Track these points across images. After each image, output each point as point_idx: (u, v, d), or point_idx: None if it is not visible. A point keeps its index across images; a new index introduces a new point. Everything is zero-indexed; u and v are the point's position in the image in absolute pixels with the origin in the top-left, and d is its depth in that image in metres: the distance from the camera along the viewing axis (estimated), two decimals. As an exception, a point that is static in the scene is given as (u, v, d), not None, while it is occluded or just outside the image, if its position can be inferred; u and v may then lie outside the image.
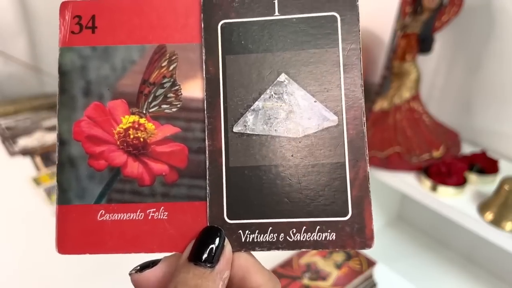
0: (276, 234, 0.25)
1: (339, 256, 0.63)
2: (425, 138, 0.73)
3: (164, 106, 0.27)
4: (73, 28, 0.27)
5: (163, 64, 0.27)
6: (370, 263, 0.63)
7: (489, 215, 0.63)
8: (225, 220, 0.25)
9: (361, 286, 0.62)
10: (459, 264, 0.84)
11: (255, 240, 0.25)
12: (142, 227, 0.26)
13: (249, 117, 0.26)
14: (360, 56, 0.25)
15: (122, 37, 0.27)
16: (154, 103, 0.27)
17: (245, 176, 0.25)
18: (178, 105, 0.26)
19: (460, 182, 0.68)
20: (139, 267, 0.25)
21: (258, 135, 0.26)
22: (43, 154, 0.86)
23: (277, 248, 0.25)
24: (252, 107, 0.26)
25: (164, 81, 0.27)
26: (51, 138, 0.90)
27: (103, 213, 0.26)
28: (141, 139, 0.26)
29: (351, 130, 0.25)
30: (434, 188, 0.68)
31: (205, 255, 0.23)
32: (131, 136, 0.26)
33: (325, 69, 0.26)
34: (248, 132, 0.26)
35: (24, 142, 0.89)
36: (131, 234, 0.26)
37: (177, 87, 0.27)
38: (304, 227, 0.25)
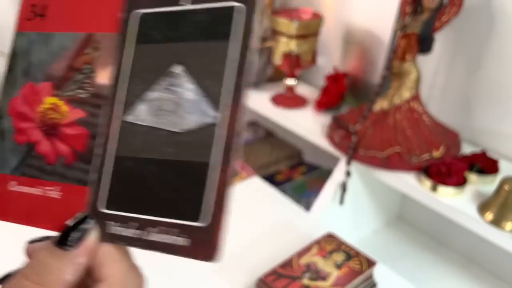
0: (140, 231, 0.24)
1: (339, 256, 0.63)
2: (425, 138, 0.73)
3: (79, 91, 0.28)
4: (28, 16, 0.30)
5: (87, 52, 0.28)
6: (370, 263, 0.63)
7: (489, 215, 0.63)
8: (97, 209, 0.25)
9: (361, 286, 0.62)
10: (459, 264, 0.84)
11: (118, 234, 0.25)
12: (39, 203, 0.27)
13: (142, 107, 0.25)
14: (251, 52, 0.23)
15: (62, 25, 0.29)
16: (71, 87, 0.28)
17: (126, 167, 0.25)
18: (91, 91, 0.28)
19: (460, 182, 0.68)
20: (35, 239, 0.26)
21: (146, 126, 0.25)
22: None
23: (135, 246, 0.24)
24: (146, 97, 0.25)
25: (84, 67, 0.28)
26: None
27: (14, 184, 0.28)
28: (55, 120, 0.28)
29: (227, 131, 0.23)
30: (434, 188, 0.68)
31: (65, 239, 0.24)
32: (48, 117, 0.28)
33: (212, 63, 0.24)
34: (138, 122, 0.25)
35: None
36: (30, 208, 0.27)
37: (93, 74, 0.28)
38: (160, 227, 0.24)
